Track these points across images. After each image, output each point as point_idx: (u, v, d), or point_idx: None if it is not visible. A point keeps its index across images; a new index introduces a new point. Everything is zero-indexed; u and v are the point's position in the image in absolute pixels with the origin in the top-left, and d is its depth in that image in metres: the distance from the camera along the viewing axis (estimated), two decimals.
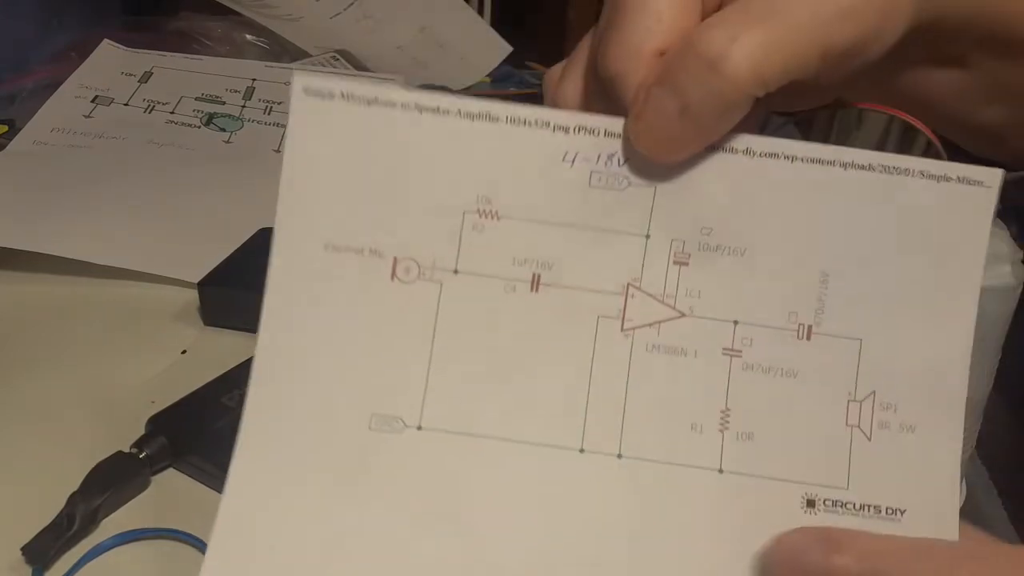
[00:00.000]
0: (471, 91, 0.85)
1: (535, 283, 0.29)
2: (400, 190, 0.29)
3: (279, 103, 0.79)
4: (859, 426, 0.29)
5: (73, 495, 0.41)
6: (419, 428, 0.29)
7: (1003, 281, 0.41)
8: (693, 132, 0.27)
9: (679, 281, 0.29)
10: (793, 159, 0.29)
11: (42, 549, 0.39)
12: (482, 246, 0.29)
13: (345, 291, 0.29)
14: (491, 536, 0.29)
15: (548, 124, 0.29)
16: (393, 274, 0.29)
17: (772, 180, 0.29)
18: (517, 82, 0.90)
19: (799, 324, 0.29)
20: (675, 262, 0.29)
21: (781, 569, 0.28)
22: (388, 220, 0.29)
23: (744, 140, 0.29)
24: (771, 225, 0.29)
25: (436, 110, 0.29)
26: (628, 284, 0.29)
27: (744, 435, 0.29)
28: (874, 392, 0.29)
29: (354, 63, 0.86)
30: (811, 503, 0.29)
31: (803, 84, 0.27)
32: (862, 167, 0.29)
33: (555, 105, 0.31)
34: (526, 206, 0.29)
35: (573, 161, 0.29)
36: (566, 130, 0.29)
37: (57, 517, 0.40)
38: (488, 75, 0.89)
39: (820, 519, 0.29)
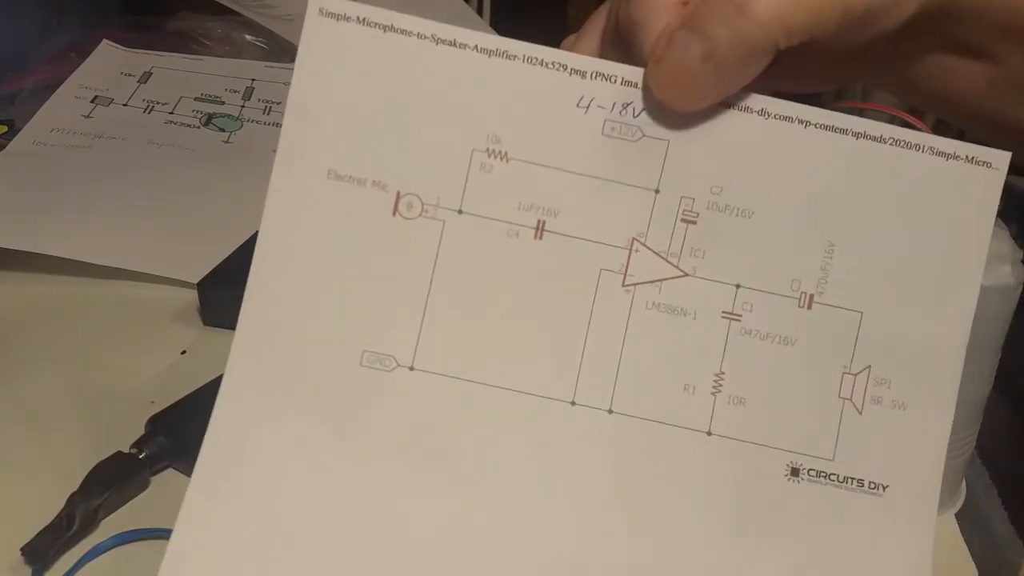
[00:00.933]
0: None
1: (539, 230, 0.29)
2: (409, 122, 0.28)
3: (279, 103, 0.79)
4: (851, 399, 0.29)
5: (73, 495, 0.41)
6: (411, 368, 0.29)
7: (1003, 281, 0.41)
8: (715, 78, 0.27)
9: (685, 239, 0.29)
10: (807, 124, 0.28)
11: (42, 549, 0.39)
12: (488, 187, 0.29)
13: (344, 222, 0.29)
14: (476, 481, 0.29)
15: (565, 67, 0.28)
16: (395, 209, 0.29)
17: (785, 144, 0.29)
18: None
19: (801, 292, 0.29)
20: (683, 220, 0.29)
21: None
22: (394, 152, 0.28)
23: (760, 101, 0.28)
24: (781, 190, 0.29)
25: (453, 43, 0.28)
26: (633, 239, 0.29)
27: (736, 399, 0.29)
28: (870, 366, 0.29)
29: None
30: (795, 471, 0.29)
31: (818, 51, 0.27)
32: (874, 138, 0.29)
33: None
34: (536, 150, 0.29)
35: (588, 108, 0.28)
36: (583, 75, 0.28)
37: (57, 517, 0.40)
38: None
39: (803, 488, 0.29)
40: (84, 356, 0.53)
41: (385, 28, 0.28)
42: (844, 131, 0.29)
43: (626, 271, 0.29)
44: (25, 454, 0.45)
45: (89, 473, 0.42)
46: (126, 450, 0.44)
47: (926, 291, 0.29)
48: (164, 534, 0.41)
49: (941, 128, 0.37)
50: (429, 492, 0.29)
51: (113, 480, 0.42)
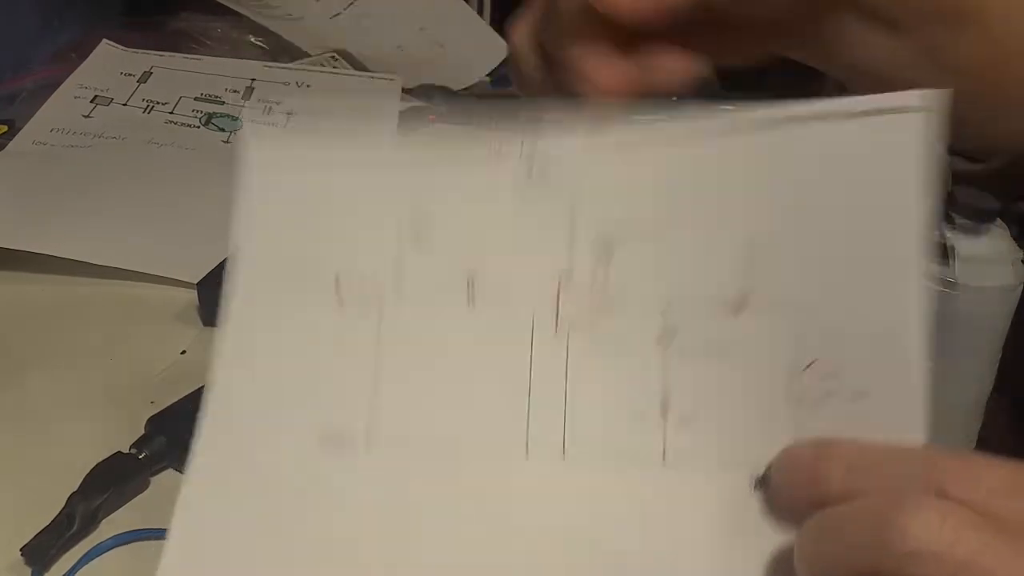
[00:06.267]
0: (471, 91, 0.84)
1: (470, 292, 0.30)
2: (340, 218, 0.31)
3: (278, 103, 0.79)
4: (802, 398, 0.28)
5: (73, 495, 0.41)
6: (368, 447, 0.29)
7: (1003, 281, 0.41)
8: None
9: (607, 275, 0.29)
10: (704, 134, 0.29)
11: (42, 549, 0.39)
12: (418, 261, 0.30)
13: (292, 318, 0.30)
14: (440, 549, 0.29)
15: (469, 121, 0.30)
16: (338, 299, 0.30)
17: (684, 161, 0.29)
18: None
19: (728, 299, 0.28)
20: (601, 256, 0.29)
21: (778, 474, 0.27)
22: (331, 248, 0.30)
23: (656, 132, 0.29)
24: (689, 204, 0.29)
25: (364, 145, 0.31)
26: (559, 282, 0.29)
27: (686, 421, 0.28)
28: (815, 361, 0.28)
29: (353, 63, 0.85)
30: (763, 480, 0.28)
31: (744, 11, 0.28)
32: (775, 122, 0.28)
33: (513, 40, 0.32)
34: (455, 212, 0.30)
35: (497, 158, 0.29)
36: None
37: (57, 517, 0.40)
38: (488, 74, 0.89)
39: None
40: (84, 356, 0.53)
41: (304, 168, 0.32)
42: (742, 129, 0.28)
43: (556, 316, 0.29)
44: (25, 454, 0.45)
45: (89, 473, 0.42)
46: (126, 450, 0.44)
47: (865, 269, 0.27)
48: (163, 534, 0.41)
49: None
50: (393, 563, 0.29)
51: (113, 480, 0.42)
